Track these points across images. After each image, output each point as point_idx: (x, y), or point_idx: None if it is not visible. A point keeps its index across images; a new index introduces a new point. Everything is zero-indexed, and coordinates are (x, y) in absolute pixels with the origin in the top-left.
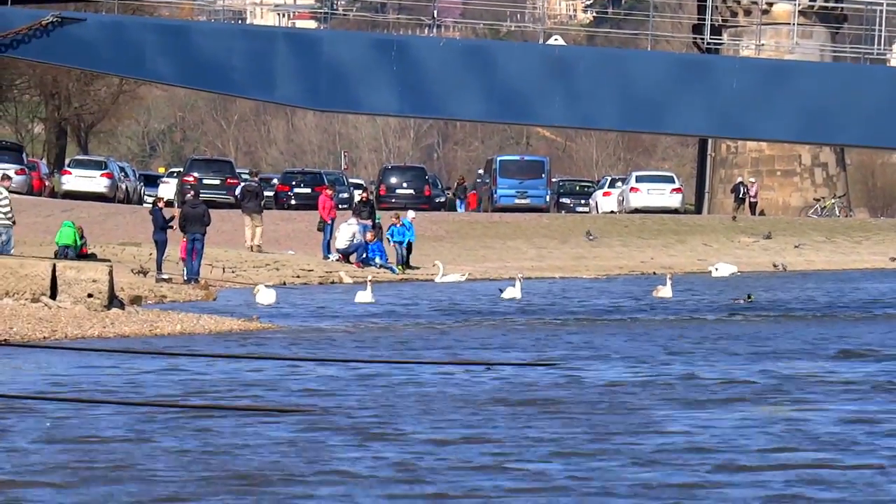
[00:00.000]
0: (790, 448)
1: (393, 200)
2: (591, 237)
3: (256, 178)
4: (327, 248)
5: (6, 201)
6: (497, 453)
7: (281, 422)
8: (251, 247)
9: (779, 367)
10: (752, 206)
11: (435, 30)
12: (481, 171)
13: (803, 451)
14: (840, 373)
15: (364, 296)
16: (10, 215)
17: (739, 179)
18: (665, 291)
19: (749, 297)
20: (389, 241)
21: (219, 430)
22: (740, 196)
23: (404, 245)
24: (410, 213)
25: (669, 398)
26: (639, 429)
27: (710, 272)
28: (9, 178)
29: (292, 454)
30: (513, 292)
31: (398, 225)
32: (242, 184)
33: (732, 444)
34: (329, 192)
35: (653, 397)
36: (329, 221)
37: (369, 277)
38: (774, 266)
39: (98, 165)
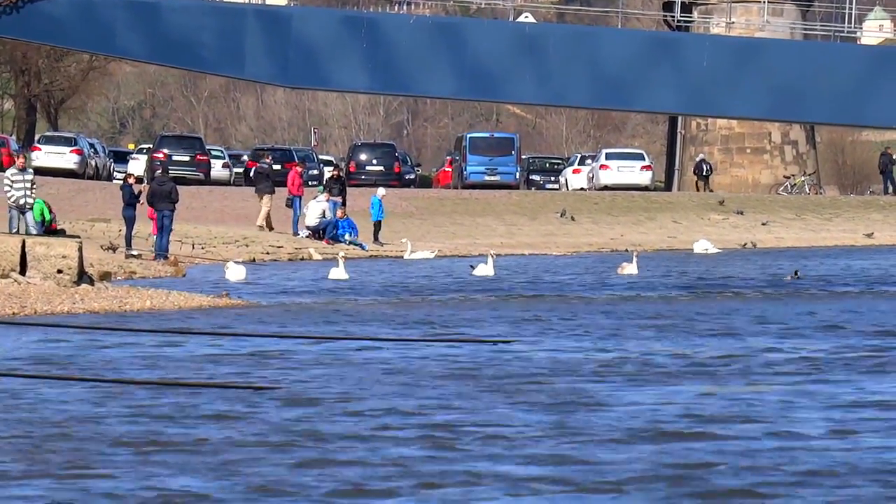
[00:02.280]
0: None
1: (363, 177)
2: (564, 216)
3: (269, 160)
4: (296, 225)
5: (30, 177)
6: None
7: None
8: (262, 226)
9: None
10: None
11: (405, 7)
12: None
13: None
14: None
15: (337, 272)
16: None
17: (701, 157)
18: (630, 268)
19: (796, 274)
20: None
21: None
22: (703, 174)
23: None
24: (381, 191)
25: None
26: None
27: (693, 249)
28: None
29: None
30: (485, 269)
31: (341, 218)
32: (256, 165)
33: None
34: (298, 168)
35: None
36: (299, 197)
37: (341, 254)
38: (743, 245)
39: (68, 142)
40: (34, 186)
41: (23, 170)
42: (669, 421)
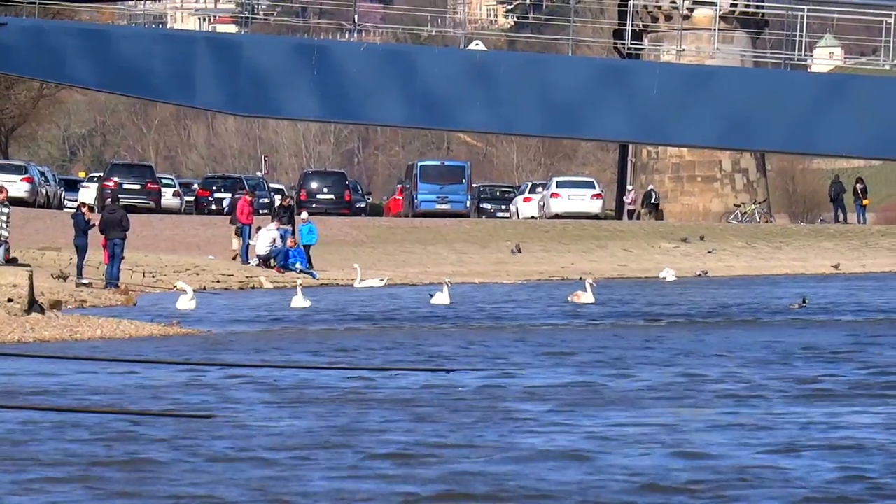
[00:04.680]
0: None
1: (314, 205)
2: (516, 252)
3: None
4: (246, 254)
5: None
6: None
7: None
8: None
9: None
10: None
11: (356, 34)
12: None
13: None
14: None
15: (298, 301)
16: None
17: (651, 187)
18: (586, 297)
19: (804, 302)
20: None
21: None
22: (652, 202)
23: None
24: (303, 215)
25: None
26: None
27: (661, 277)
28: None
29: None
30: (441, 297)
31: (291, 247)
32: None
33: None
34: (248, 196)
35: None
36: (248, 225)
37: (299, 282)
38: (698, 275)
39: (18, 170)
40: (9, 220)
41: (2, 202)
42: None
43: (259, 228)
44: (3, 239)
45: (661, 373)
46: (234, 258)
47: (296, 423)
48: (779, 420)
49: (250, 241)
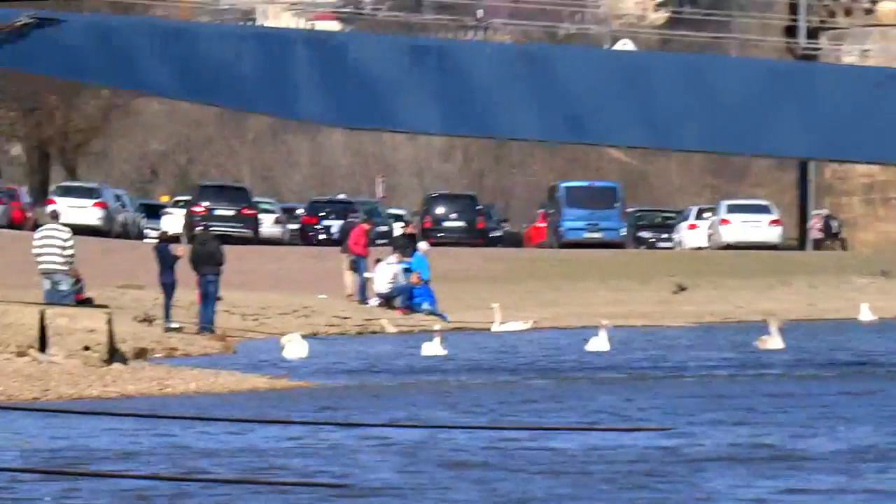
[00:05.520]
0: None
1: (440, 234)
2: (678, 290)
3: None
4: (364, 291)
5: (71, 242)
6: None
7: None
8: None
9: None
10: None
11: (481, 32)
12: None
13: None
14: None
15: (431, 347)
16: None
17: (826, 212)
18: (774, 342)
19: None
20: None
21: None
22: (832, 232)
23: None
24: (423, 245)
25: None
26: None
27: (861, 320)
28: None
29: None
30: (599, 343)
31: (416, 284)
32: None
33: None
34: (366, 225)
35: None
36: (364, 258)
37: (436, 327)
38: None
39: (89, 193)
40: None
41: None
42: None
43: (378, 261)
44: (71, 273)
45: (872, 431)
46: (348, 296)
47: (450, 494)
48: None
49: (366, 275)
